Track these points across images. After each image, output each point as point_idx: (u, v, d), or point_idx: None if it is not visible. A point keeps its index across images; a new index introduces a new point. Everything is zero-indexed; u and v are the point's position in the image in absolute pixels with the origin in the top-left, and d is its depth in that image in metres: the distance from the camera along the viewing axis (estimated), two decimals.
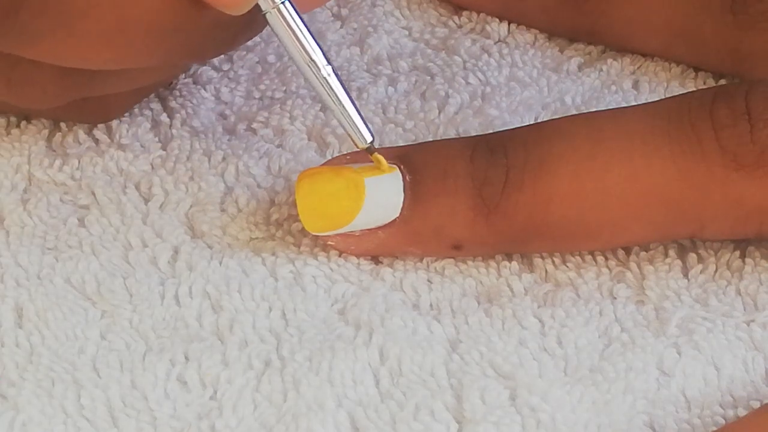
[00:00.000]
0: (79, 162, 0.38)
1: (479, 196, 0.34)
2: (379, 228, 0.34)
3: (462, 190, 0.34)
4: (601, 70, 0.40)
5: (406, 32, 0.42)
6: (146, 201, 0.37)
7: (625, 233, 0.33)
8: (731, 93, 0.33)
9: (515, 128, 0.35)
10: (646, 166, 0.33)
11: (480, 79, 0.40)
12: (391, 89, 0.40)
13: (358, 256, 0.35)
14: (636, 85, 0.40)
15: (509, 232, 0.34)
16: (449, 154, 0.34)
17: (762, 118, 0.32)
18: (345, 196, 0.34)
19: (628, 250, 0.35)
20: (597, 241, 0.34)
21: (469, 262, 0.35)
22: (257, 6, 0.32)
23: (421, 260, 0.35)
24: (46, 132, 0.38)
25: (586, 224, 0.33)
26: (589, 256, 0.35)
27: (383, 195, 0.34)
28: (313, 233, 0.35)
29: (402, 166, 0.34)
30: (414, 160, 0.34)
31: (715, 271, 0.34)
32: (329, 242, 0.35)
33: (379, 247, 0.35)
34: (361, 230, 0.34)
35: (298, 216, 0.34)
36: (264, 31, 0.41)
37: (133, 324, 0.34)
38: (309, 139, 0.38)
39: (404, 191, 0.34)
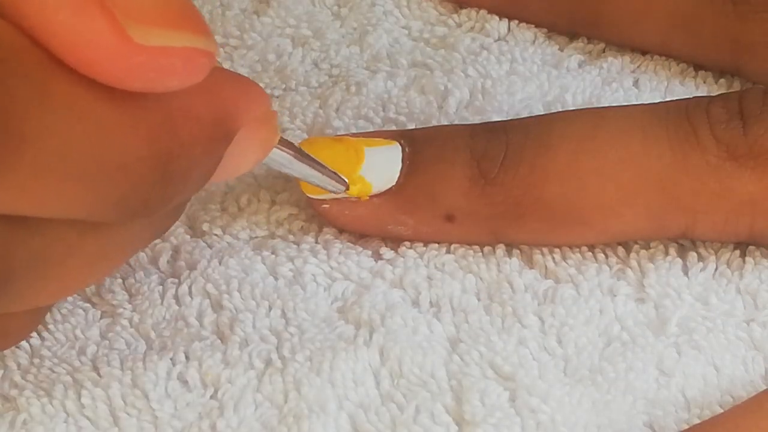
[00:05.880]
0: None
1: (477, 167, 0.34)
2: (374, 195, 0.34)
3: (460, 161, 0.34)
4: (602, 68, 0.40)
5: (406, 31, 0.42)
6: None
7: (618, 219, 0.34)
8: (726, 96, 0.34)
9: (516, 118, 0.36)
10: (643, 150, 0.33)
11: (480, 72, 0.40)
12: (390, 83, 0.40)
13: (350, 223, 0.35)
14: (636, 83, 0.40)
15: (503, 205, 0.34)
16: (450, 132, 0.35)
17: (754, 115, 0.33)
18: (344, 161, 0.34)
19: (628, 248, 0.35)
20: (590, 226, 0.34)
21: (470, 258, 0.35)
22: None
23: (421, 257, 0.35)
24: None
25: (580, 205, 0.33)
26: (590, 253, 0.35)
27: (382, 163, 0.34)
28: (309, 196, 0.35)
29: (402, 141, 0.35)
30: (415, 136, 0.35)
31: (716, 269, 0.34)
32: (323, 206, 0.35)
33: (372, 214, 0.35)
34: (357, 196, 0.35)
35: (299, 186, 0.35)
36: (263, 29, 0.42)
37: (133, 323, 0.34)
38: (309, 137, 0.38)
39: (402, 161, 0.34)
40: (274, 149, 0.31)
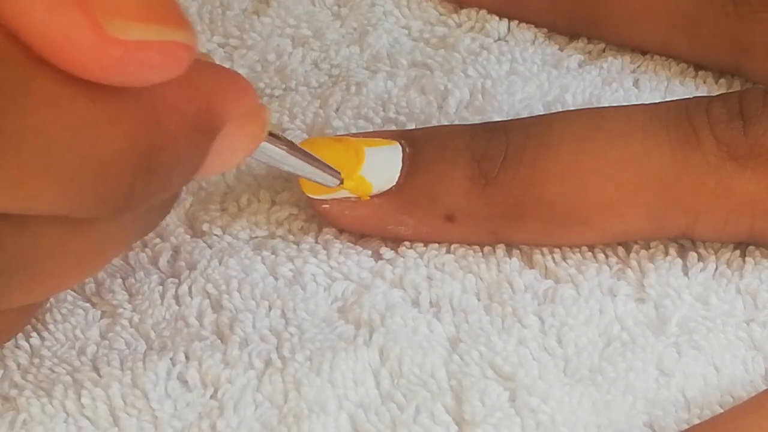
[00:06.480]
0: None
1: (477, 167, 0.34)
2: (374, 195, 0.35)
3: (460, 161, 0.34)
4: (602, 68, 0.40)
5: (406, 31, 0.42)
6: None
7: (618, 219, 0.34)
8: (726, 96, 0.34)
9: (516, 118, 0.36)
10: (643, 151, 0.33)
11: (480, 72, 0.40)
12: (390, 83, 0.40)
13: (350, 223, 0.35)
14: (636, 83, 0.40)
15: (504, 205, 0.34)
16: (451, 132, 0.35)
17: (755, 115, 0.33)
18: (344, 161, 0.34)
19: (628, 248, 0.35)
20: (590, 226, 0.34)
21: (470, 258, 0.35)
22: None
23: (421, 257, 0.35)
24: None
25: (580, 206, 0.34)
26: (590, 253, 0.35)
27: (382, 163, 0.34)
28: (309, 196, 0.35)
29: (403, 141, 0.35)
30: (415, 136, 0.35)
31: (716, 269, 0.34)
32: (324, 206, 0.35)
33: (372, 214, 0.35)
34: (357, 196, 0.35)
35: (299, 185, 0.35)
36: (263, 29, 0.42)
37: (133, 323, 0.34)
38: (309, 137, 0.38)
39: (403, 162, 0.34)
40: (265, 143, 0.31)
